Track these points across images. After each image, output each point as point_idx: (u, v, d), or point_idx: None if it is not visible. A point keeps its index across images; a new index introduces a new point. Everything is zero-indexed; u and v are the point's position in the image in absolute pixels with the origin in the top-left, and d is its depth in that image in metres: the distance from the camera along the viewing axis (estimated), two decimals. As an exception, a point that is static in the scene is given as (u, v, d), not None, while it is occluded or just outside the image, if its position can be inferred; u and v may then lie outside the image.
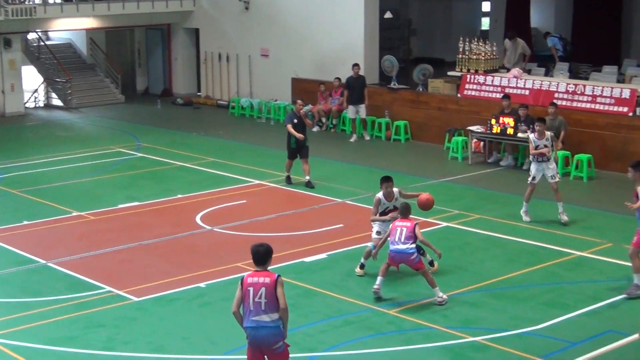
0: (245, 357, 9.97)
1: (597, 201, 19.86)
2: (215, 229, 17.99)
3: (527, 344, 12.33)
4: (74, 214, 19.25)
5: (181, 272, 15.39)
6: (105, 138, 28.18)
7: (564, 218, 17.81)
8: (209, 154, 25.13)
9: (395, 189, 14.89)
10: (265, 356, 9.86)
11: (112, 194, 20.86)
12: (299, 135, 20.68)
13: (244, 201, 20.15)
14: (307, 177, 21.00)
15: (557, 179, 17.88)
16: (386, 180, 14.88)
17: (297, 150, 20.96)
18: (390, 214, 14.75)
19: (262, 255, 9.92)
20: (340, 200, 19.90)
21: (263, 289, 9.70)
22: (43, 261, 16.10)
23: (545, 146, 17.78)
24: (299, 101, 21.37)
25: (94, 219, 18.91)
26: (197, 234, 17.76)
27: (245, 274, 9.97)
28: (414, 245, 13.74)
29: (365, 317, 13.35)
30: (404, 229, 13.77)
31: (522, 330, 12.78)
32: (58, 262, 16.01)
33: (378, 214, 14.92)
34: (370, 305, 13.75)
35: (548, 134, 17.89)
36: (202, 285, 14.76)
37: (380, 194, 14.87)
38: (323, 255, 15.16)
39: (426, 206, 15.10)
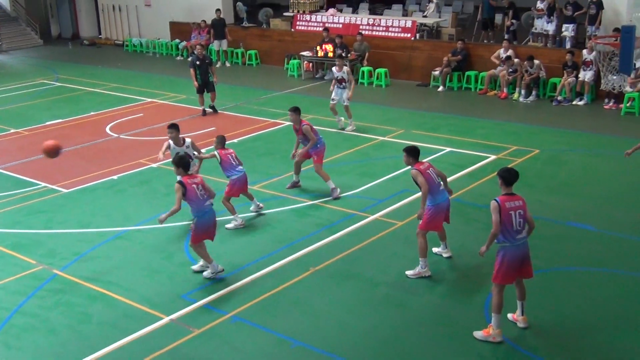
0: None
1: (392, 101, 20.30)
2: (121, 136, 17.59)
3: (348, 203, 12.64)
4: (12, 131, 18.43)
5: (98, 169, 15.03)
6: (30, 73, 26.76)
7: (349, 128, 17.03)
8: (111, 81, 24.27)
9: (187, 139, 12.00)
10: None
11: (40, 114, 19.96)
12: (195, 84, 19.09)
13: (141, 114, 19.69)
14: (212, 103, 19.52)
15: (346, 103, 16.98)
16: (170, 127, 11.93)
17: (203, 85, 19.29)
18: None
19: None
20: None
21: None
22: (-9, 167, 15.49)
23: (343, 78, 16.91)
24: (199, 46, 19.66)
25: (28, 134, 18.14)
26: (108, 140, 17.32)
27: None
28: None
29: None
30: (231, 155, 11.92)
31: (345, 194, 13.05)
32: (3, 167, 15.38)
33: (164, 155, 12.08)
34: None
35: (345, 68, 17.08)
36: (114, 177, 14.48)
37: (170, 141, 11.91)
38: (203, 150, 15.05)
39: (49, 153, 10.96)
